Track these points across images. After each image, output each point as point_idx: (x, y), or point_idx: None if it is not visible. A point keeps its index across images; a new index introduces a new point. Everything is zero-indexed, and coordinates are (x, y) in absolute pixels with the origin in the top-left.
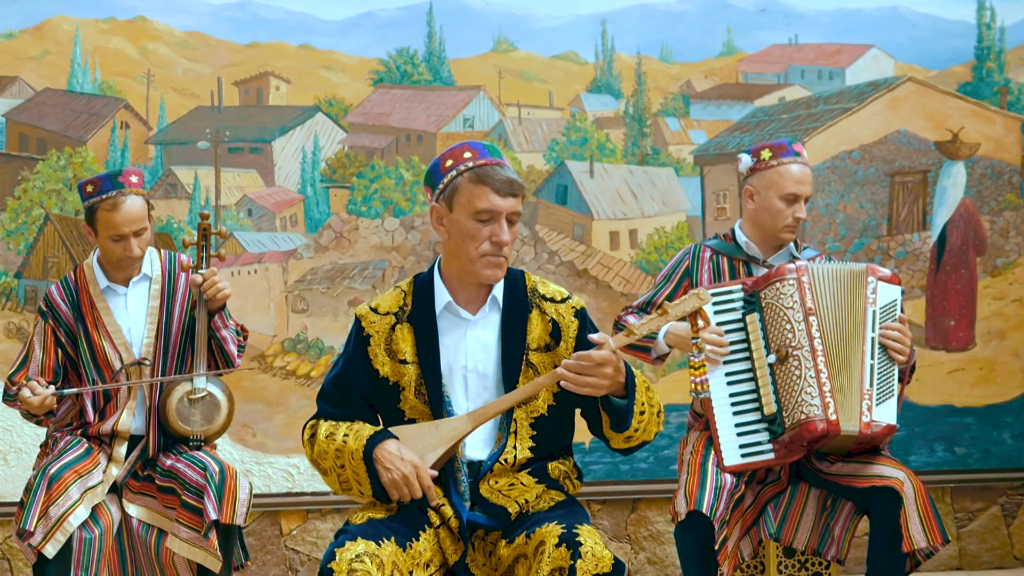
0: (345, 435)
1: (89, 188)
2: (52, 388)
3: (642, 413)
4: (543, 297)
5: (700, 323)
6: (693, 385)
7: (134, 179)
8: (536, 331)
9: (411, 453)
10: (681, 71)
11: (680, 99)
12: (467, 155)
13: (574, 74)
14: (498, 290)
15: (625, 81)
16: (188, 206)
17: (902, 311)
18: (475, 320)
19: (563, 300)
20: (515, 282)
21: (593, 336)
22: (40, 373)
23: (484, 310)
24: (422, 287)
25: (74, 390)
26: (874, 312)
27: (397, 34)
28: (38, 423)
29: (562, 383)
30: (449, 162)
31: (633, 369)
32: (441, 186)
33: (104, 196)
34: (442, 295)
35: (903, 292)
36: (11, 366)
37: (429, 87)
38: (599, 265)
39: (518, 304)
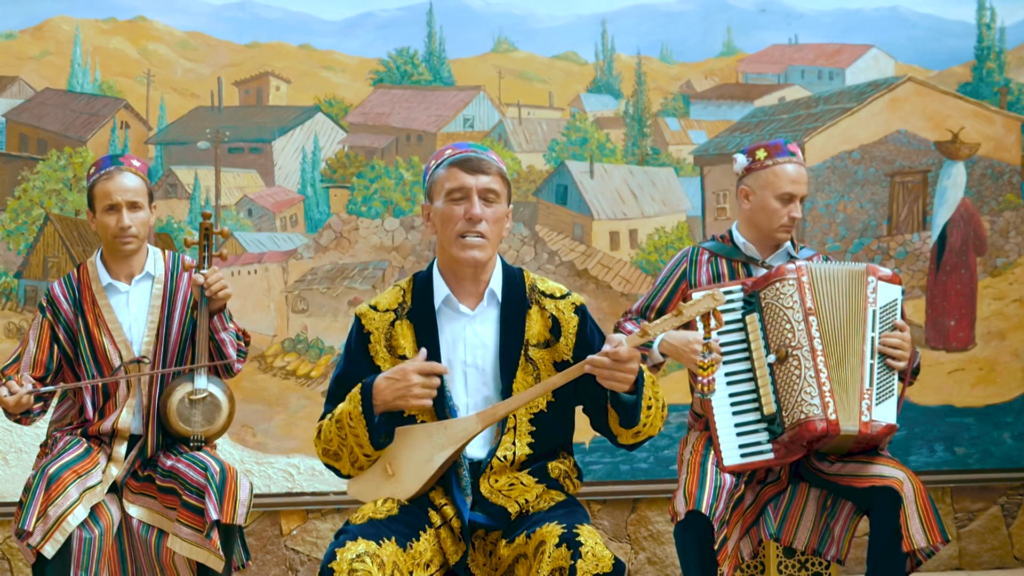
0: (340, 409)
1: (92, 169)
2: (29, 386)
3: (649, 408)
4: (543, 293)
5: (713, 323)
6: (700, 385)
7: (135, 163)
8: (536, 327)
9: (397, 368)
10: (681, 71)
11: (680, 99)
12: (448, 152)
13: (574, 74)
14: (496, 285)
15: (625, 81)
16: (188, 206)
17: (903, 312)
18: (474, 315)
19: (562, 296)
20: (513, 279)
21: (613, 336)
22: (31, 367)
23: (483, 305)
24: (421, 284)
25: (51, 388)
26: (874, 312)
27: (397, 34)
28: (17, 422)
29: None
30: (433, 162)
31: (640, 364)
32: (426, 185)
33: (103, 171)
34: (441, 290)
35: (904, 292)
36: (6, 360)
37: (429, 87)
38: (599, 265)
39: (517, 300)
